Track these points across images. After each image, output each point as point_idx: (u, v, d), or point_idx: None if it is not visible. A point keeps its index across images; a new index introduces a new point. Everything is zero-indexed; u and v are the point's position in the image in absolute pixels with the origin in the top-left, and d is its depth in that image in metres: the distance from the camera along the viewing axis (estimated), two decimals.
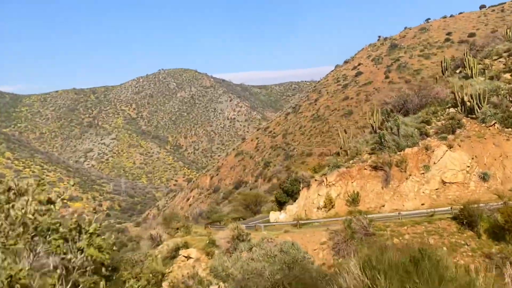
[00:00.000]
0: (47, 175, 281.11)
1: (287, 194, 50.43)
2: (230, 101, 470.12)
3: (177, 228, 50.12)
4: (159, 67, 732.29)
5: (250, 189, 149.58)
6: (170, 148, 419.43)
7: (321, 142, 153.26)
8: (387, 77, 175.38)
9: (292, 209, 46.04)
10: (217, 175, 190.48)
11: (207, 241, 39.60)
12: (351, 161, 44.07)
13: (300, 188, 46.05)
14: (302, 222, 41.48)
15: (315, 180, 44.85)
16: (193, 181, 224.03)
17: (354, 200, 40.48)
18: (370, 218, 33.26)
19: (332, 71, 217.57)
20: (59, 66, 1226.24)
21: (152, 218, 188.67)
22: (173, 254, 40.19)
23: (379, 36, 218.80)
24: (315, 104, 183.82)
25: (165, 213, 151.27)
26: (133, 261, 38.14)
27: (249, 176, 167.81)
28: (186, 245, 40.62)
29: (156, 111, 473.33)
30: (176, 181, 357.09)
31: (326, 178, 43.88)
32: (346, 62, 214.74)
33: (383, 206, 39.28)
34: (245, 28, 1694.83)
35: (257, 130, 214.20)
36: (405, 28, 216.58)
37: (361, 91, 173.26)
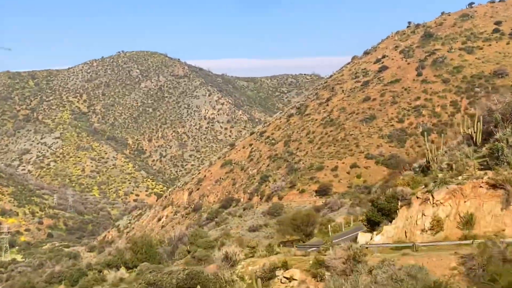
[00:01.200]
0: None
1: (381, 213, 52.23)
2: (209, 95, 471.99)
3: (253, 247, 53.00)
4: (118, 48, 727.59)
5: (244, 209, 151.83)
6: (130, 153, 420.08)
7: (336, 153, 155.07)
8: (419, 75, 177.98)
9: (390, 230, 47.30)
10: (197, 190, 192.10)
11: (312, 262, 41.84)
12: (459, 177, 45.62)
13: (399, 206, 47.53)
14: (402, 245, 43.07)
15: (417, 197, 46.35)
16: (165, 196, 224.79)
17: (468, 222, 41.76)
18: (507, 243, 34.89)
19: (348, 64, 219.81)
20: None
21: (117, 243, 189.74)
22: (269, 275, 43.06)
23: (409, 22, 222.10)
24: (327, 105, 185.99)
25: (133, 237, 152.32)
26: (221, 281, 41.85)
27: (240, 192, 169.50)
28: (285, 266, 42.98)
29: (113, 104, 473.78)
30: (137, 195, 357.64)
31: (432, 195, 45.22)
32: (366, 53, 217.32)
33: (503, 230, 40.70)
34: (228, 4, 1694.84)
35: (251, 134, 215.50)
36: (442, 13, 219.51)
37: (386, 91, 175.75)
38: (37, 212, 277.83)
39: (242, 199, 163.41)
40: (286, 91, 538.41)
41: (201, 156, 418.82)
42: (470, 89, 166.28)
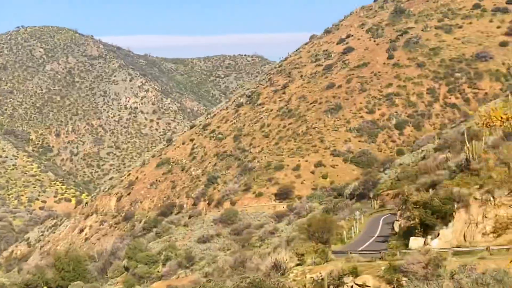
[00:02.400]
0: None
1: (436, 216, 52.98)
2: (130, 80, 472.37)
3: (302, 254, 55.36)
4: (17, 23, 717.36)
5: (190, 217, 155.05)
6: (34, 150, 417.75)
7: (297, 150, 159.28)
8: (390, 57, 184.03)
9: (447, 234, 48.44)
10: (128, 194, 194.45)
11: (385, 267, 44.05)
12: None
13: (455, 208, 49.03)
14: (462, 250, 44.92)
15: (475, 198, 48.62)
16: (86, 203, 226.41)
17: None
18: None
19: (306, 44, 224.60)
20: None
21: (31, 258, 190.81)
22: (337, 283, 45.50)
23: None
24: (284, 93, 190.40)
25: (56, 252, 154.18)
26: None
27: (182, 196, 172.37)
28: (355, 272, 45.27)
29: (12, 91, 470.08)
30: (44, 202, 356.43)
31: (492, 196, 47.62)
32: (327, 31, 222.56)
33: None
34: None
35: (191, 128, 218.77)
36: None
37: (353, 76, 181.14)
38: None
39: (185, 205, 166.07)
40: (223, 75, 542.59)
41: (121, 154, 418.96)
42: (450, 75, 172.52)
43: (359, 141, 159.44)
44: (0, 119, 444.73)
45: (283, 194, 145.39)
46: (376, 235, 65.72)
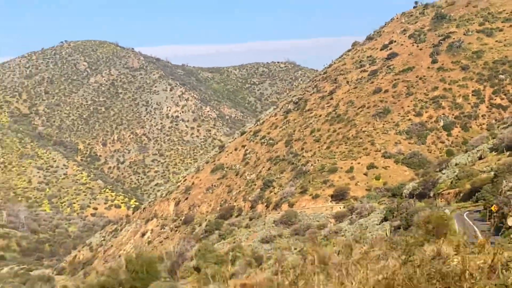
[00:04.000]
0: None
1: None
2: (170, 90, 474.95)
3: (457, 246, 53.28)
4: (61, 38, 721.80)
5: (251, 219, 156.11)
6: (82, 160, 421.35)
7: (349, 153, 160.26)
8: (434, 62, 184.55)
9: None
10: (186, 199, 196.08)
11: None
12: None
13: None
14: None
15: None
16: (144, 208, 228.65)
17: None
18: None
19: (349, 51, 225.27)
20: None
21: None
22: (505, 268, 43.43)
23: (416, 2, 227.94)
24: (331, 99, 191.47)
25: (129, 255, 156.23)
26: None
27: (239, 200, 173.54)
28: None
29: (59, 104, 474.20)
30: (95, 209, 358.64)
31: None
32: (369, 38, 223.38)
33: None
34: None
35: (242, 134, 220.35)
36: None
37: (399, 81, 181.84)
38: None
39: (244, 208, 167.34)
40: (257, 82, 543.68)
41: (165, 161, 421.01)
42: (494, 76, 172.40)
43: (409, 143, 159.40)
44: (49, 131, 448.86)
45: (339, 196, 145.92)
46: (478, 230, 65.26)
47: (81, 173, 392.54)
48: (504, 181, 76.52)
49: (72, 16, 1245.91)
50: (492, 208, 67.71)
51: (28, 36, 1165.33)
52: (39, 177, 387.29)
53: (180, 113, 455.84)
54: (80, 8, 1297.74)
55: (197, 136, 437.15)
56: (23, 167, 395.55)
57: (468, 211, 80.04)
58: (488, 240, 51.58)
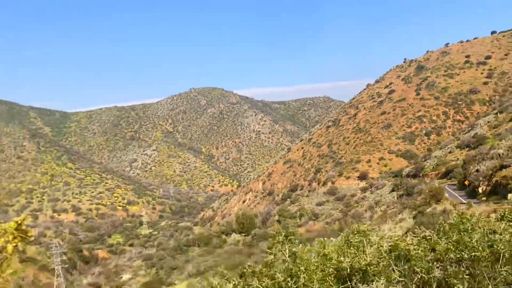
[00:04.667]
0: (106, 182, 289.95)
1: None
2: (255, 115, 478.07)
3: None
4: (190, 86, 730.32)
5: (309, 191, 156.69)
6: (204, 158, 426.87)
7: (367, 151, 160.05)
8: (418, 94, 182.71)
9: None
10: (269, 180, 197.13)
11: None
12: None
13: None
14: None
15: None
16: (244, 186, 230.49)
17: None
18: None
19: (364, 89, 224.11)
20: (101, 86, 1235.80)
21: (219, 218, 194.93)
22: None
23: (405, 59, 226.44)
24: (355, 118, 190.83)
25: (238, 213, 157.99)
26: None
27: (301, 180, 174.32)
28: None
29: (190, 125, 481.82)
30: (213, 187, 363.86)
31: None
32: (377, 81, 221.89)
33: None
34: (261, 47, 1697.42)
35: (301, 141, 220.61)
36: (428, 51, 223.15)
37: (396, 107, 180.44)
38: (151, 201, 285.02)
39: (304, 185, 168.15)
40: (306, 110, 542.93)
41: (253, 158, 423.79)
42: (455, 103, 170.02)
43: (404, 144, 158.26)
44: (185, 141, 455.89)
45: (362, 177, 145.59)
46: (458, 196, 64.02)
47: (204, 166, 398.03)
48: (471, 166, 75.56)
49: (198, 69, 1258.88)
50: (466, 182, 66.96)
51: (171, 85, 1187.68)
52: (180, 168, 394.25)
53: (260, 129, 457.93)
54: (201, 64, 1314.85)
55: (271, 142, 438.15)
56: (170, 163, 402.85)
57: (447, 185, 79.04)
58: (470, 201, 51.02)
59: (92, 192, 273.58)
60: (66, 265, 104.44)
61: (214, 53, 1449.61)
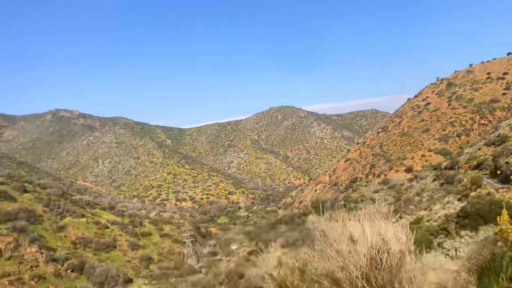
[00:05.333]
0: (213, 178, 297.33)
1: None
2: (318, 126, 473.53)
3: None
4: (270, 105, 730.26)
5: (366, 182, 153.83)
6: (282, 158, 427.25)
7: (411, 150, 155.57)
8: (449, 105, 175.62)
9: None
10: (333, 174, 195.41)
11: None
12: None
13: None
14: None
15: None
16: (314, 179, 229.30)
17: None
18: None
19: (405, 103, 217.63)
20: (206, 109, 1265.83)
21: (294, 204, 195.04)
22: None
23: (437, 78, 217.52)
24: (400, 125, 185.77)
25: (311, 198, 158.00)
26: None
27: (359, 174, 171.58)
28: None
29: (270, 134, 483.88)
30: (289, 180, 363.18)
31: None
32: (416, 96, 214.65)
33: None
34: (321, 71, 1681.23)
35: (357, 144, 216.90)
36: (455, 71, 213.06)
37: (433, 115, 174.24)
38: (245, 191, 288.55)
39: (361, 178, 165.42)
40: (359, 119, 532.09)
41: (318, 157, 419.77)
42: (479, 110, 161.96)
43: (440, 144, 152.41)
44: (268, 146, 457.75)
45: (408, 170, 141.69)
46: (492, 183, 61.48)
47: (282, 164, 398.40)
48: (500, 159, 72.36)
49: (275, 94, 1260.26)
50: (498, 172, 64.21)
51: (256, 104, 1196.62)
52: (264, 167, 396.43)
53: (323, 136, 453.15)
54: (278, 88, 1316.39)
55: (332, 146, 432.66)
56: (257, 163, 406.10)
57: (480, 174, 76.04)
58: (510, 186, 48.72)
59: (203, 185, 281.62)
60: (192, 239, 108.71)
61: (287, 79, 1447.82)
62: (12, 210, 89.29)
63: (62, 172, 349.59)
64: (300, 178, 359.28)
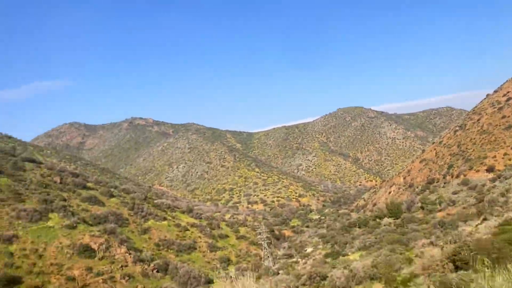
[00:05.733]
0: (283, 181, 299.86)
1: None
2: (390, 126, 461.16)
3: None
4: (337, 106, 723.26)
5: (444, 183, 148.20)
6: (352, 160, 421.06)
7: (492, 148, 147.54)
8: None
9: None
10: (408, 175, 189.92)
11: None
12: None
13: None
14: None
15: None
16: (388, 180, 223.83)
17: None
18: None
19: (484, 99, 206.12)
20: (273, 113, 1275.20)
21: (365, 207, 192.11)
22: None
23: None
24: (479, 122, 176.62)
25: (387, 202, 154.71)
26: None
27: (436, 175, 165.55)
28: None
29: (339, 136, 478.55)
30: (360, 182, 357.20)
31: None
32: (495, 91, 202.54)
33: None
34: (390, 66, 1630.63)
35: (432, 143, 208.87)
36: None
37: None
38: (315, 194, 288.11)
39: (438, 179, 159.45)
40: (432, 118, 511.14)
41: (390, 158, 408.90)
42: None
43: None
44: (337, 148, 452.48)
45: (490, 169, 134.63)
46: None
47: (352, 166, 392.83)
48: None
49: (342, 96, 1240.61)
50: None
51: (322, 107, 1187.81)
52: (333, 169, 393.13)
53: (395, 136, 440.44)
54: (347, 89, 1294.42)
55: (405, 146, 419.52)
56: (326, 165, 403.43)
57: None
58: None
59: (273, 188, 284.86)
60: (267, 241, 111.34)
61: (353, 79, 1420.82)
62: (102, 214, 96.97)
63: (139, 177, 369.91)
64: (371, 180, 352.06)
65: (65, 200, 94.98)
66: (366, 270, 33.87)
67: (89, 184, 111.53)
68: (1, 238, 63.74)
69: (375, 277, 38.86)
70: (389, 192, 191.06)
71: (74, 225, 76.11)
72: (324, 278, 42.25)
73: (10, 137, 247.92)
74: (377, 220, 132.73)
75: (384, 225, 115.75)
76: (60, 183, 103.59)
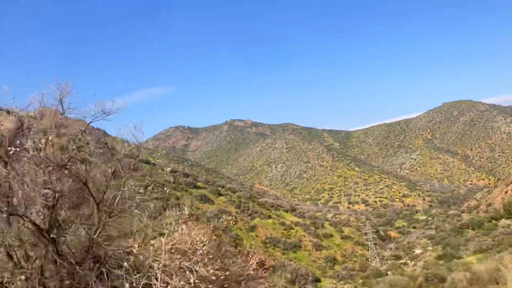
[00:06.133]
0: (385, 181, 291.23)
1: None
2: (504, 119, 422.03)
3: None
4: (442, 101, 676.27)
5: None
6: (461, 158, 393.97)
7: None
8: None
9: None
10: None
11: None
12: None
13: None
14: None
15: None
16: (503, 179, 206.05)
17: None
18: None
19: None
20: (372, 109, 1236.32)
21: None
22: None
23: None
24: None
25: (504, 202, 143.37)
26: None
27: None
28: None
29: (445, 132, 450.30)
30: (471, 181, 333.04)
31: None
32: None
33: None
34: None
35: None
36: None
37: None
38: (421, 194, 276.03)
39: None
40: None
41: (506, 155, 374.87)
42: None
43: None
44: (443, 145, 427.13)
45: None
46: None
47: (461, 164, 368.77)
48: None
49: (451, 87, 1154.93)
50: None
51: (425, 101, 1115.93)
52: (440, 168, 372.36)
53: (511, 130, 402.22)
54: (455, 81, 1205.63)
55: None
56: (432, 164, 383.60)
57: None
58: None
59: (375, 188, 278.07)
60: (374, 242, 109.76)
61: (459, 70, 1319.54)
62: (212, 212, 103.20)
63: (240, 177, 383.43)
64: (484, 179, 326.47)
65: (178, 198, 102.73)
66: (492, 274, 32.73)
67: (198, 184, 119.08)
68: None
69: (500, 281, 37.13)
70: (506, 192, 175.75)
71: None
72: (442, 280, 41.36)
73: (126, 141, 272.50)
74: (493, 221, 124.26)
75: (502, 227, 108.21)
76: (174, 182, 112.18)
